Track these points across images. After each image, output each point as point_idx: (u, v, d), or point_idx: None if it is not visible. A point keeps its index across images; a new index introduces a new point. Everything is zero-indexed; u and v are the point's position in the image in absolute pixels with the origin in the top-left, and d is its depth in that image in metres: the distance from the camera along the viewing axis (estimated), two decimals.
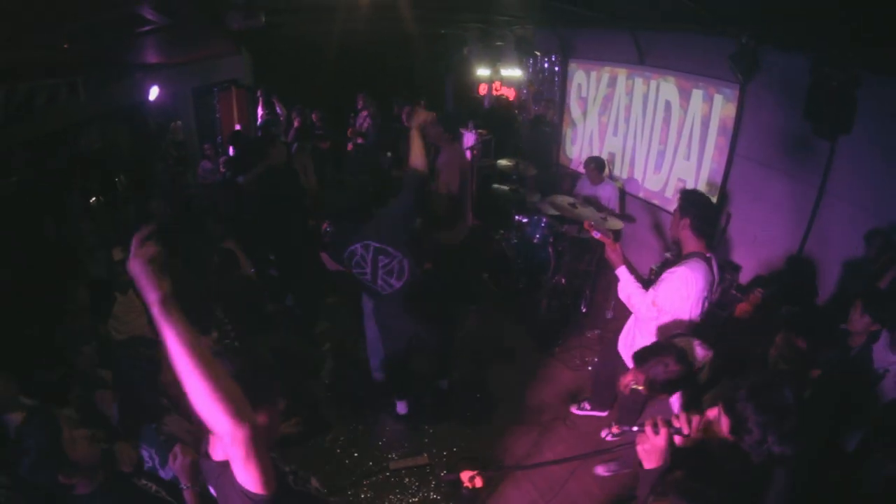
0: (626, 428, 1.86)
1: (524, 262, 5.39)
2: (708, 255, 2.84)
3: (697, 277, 2.76)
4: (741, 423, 1.69)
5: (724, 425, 1.76)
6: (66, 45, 3.31)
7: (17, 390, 2.50)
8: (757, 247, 4.60)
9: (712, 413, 1.82)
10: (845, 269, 3.83)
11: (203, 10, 3.78)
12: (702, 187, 5.27)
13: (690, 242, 2.86)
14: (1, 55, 3.00)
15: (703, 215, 2.86)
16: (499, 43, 8.49)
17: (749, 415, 1.67)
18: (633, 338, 3.17)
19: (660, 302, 2.86)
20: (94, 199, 5.07)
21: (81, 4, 2.73)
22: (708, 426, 1.82)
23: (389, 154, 6.62)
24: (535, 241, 5.43)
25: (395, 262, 3.35)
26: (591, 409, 4.09)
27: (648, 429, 1.76)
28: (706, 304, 2.86)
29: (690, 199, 2.88)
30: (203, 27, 4.24)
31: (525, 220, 5.71)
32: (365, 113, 8.22)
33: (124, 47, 4.24)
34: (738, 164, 4.79)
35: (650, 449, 1.76)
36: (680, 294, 2.79)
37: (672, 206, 5.57)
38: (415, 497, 3.48)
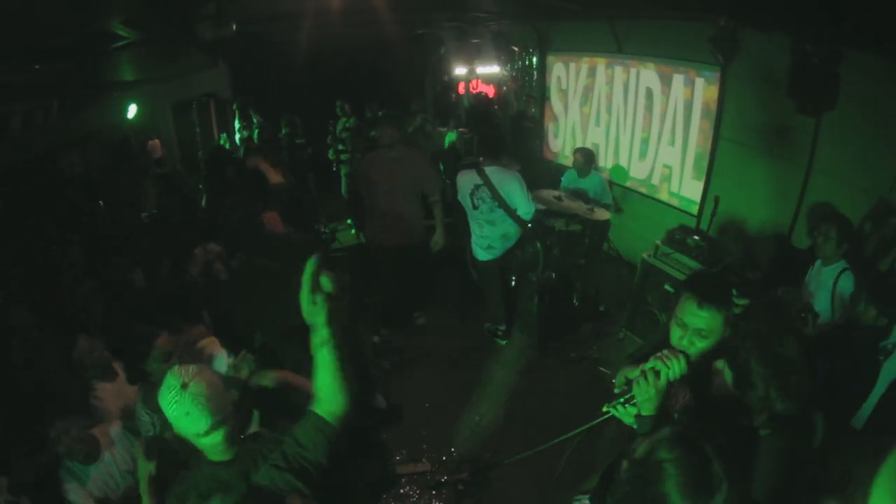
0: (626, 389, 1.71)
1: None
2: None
3: None
4: (744, 375, 1.61)
5: (728, 377, 1.68)
6: (37, 66, 3.19)
7: None
8: (747, 229, 4.59)
9: (717, 363, 1.73)
10: None
11: (174, 23, 3.67)
12: (688, 172, 5.28)
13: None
14: None
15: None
16: (475, 40, 8.43)
17: (752, 367, 1.58)
18: None
19: None
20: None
21: (50, 24, 2.61)
22: (715, 377, 1.74)
23: None
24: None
25: None
26: None
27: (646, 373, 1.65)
28: None
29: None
30: (176, 40, 4.12)
31: None
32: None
33: (98, 65, 4.12)
34: (723, 147, 4.76)
35: (647, 398, 1.65)
36: None
37: (660, 193, 5.65)
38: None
